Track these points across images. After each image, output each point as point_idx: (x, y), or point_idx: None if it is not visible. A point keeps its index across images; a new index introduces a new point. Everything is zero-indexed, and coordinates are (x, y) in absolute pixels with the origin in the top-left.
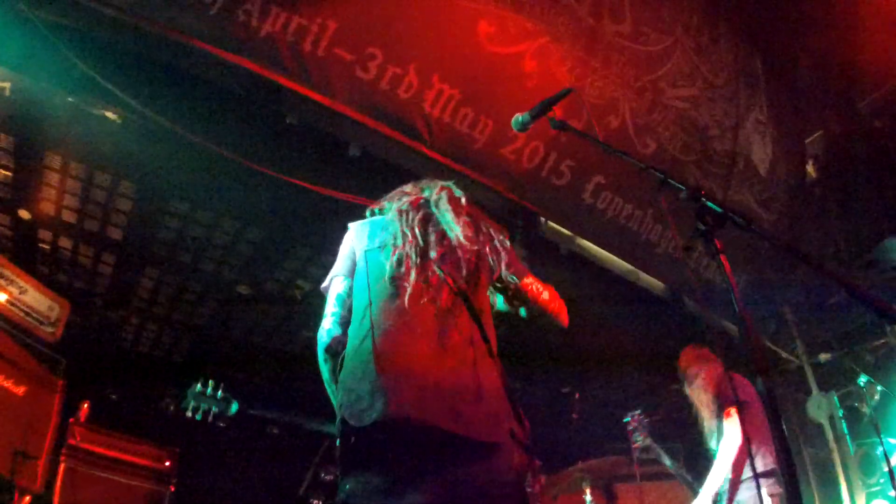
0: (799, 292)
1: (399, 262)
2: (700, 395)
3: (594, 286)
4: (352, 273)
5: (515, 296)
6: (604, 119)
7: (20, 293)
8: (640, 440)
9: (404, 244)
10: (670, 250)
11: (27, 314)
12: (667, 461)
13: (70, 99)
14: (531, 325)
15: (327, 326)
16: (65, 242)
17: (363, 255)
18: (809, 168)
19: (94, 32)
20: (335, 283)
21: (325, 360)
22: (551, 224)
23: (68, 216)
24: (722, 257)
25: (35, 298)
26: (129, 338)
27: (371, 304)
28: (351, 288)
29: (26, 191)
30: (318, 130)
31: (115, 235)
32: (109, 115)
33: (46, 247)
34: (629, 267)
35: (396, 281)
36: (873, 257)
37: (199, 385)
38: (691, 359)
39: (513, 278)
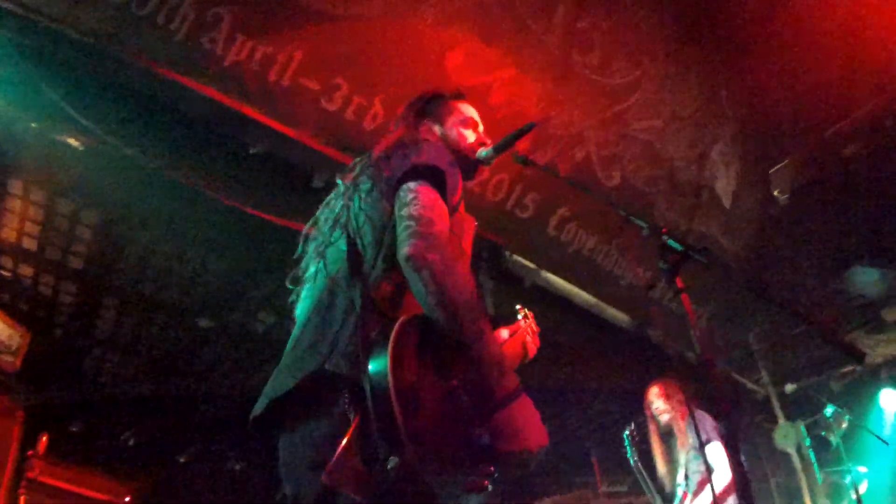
0: (765, 321)
1: None
2: (676, 426)
3: (559, 319)
4: None
5: None
6: (569, 151)
7: None
8: (633, 457)
9: None
10: (635, 282)
11: None
12: (647, 487)
13: (34, 124)
14: None
15: None
16: (25, 270)
17: None
18: (775, 198)
19: (59, 56)
20: None
21: None
22: (516, 257)
23: (29, 243)
24: (683, 297)
25: None
26: (90, 369)
27: None
28: None
29: None
30: (282, 160)
31: (77, 264)
32: (73, 141)
33: (7, 273)
34: (594, 299)
35: None
36: (841, 286)
37: None
38: (663, 394)
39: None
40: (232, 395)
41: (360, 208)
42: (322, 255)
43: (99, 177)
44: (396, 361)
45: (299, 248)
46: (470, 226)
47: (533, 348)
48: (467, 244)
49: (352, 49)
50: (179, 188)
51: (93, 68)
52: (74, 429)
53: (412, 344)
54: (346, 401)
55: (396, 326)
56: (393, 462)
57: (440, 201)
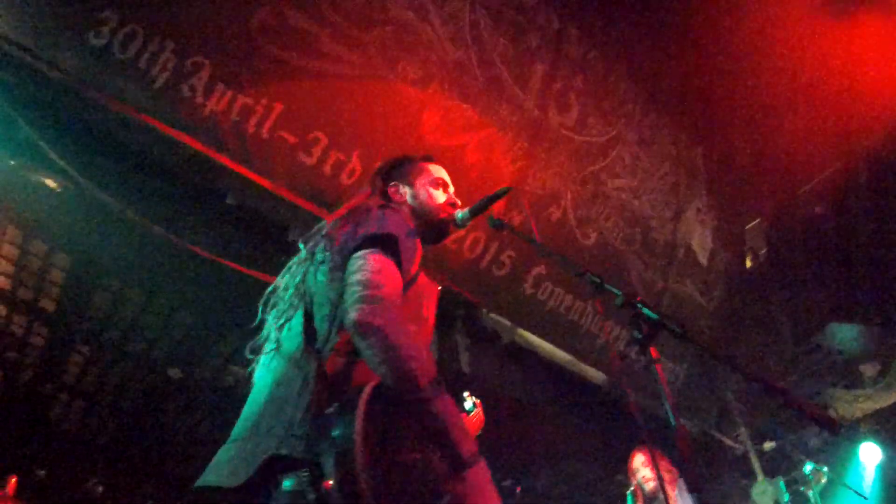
0: (742, 378)
1: None
2: (663, 494)
3: (535, 376)
4: None
5: None
6: (545, 210)
7: None
8: None
9: None
10: (611, 341)
11: None
12: None
13: (11, 162)
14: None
15: None
16: None
17: None
18: (749, 256)
19: (40, 95)
20: None
21: None
22: (492, 315)
23: (3, 282)
24: (657, 367)
25: None
26: (57, 413)
27: None
28: None
29: None
30: (258, 213)
31: (48, 307)
32: (49, 182)
33: None
34: (570, 357)
35: None
36: (818, 342)
37: None
38: (649, 462)
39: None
40: (200, 447)
41: (315, 280)
42: (281, 328)
43: (72, 219)
44: (365, 425)
45: (258, 315)
46: (432, 291)
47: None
48: (430, 311)
49: (331, 104)
50: (152, 236)
51: (72, 110)
52: (41, 473)
53: (377, 412)
54: (304, 479)
55: (365, 392)
56: None
57: (390, 265)
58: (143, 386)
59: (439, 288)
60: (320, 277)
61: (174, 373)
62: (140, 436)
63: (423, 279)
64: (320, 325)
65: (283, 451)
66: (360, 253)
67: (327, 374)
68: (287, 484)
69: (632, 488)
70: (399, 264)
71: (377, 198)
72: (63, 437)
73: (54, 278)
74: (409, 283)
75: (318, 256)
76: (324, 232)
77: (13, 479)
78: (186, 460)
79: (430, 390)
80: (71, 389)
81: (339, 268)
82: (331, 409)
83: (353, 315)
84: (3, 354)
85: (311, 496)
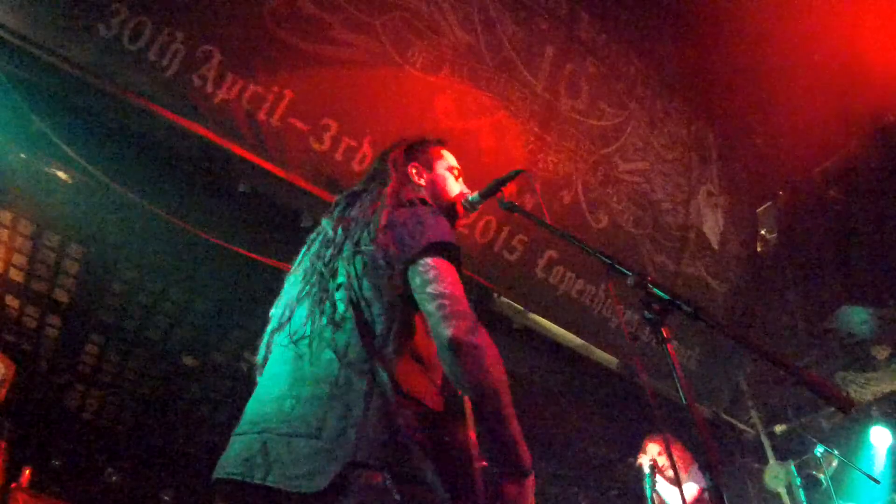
0: (754, 361)
1: None
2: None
3: (546, 361)
4: None
5: None
6: (557, 194)
7: None
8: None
9: None
10: (622, 324)
11: None
12: None
13: (23, 155)
14: None
15: None
16: (12, 301)
17: None
18: (760, 239)
19: (51, 88)
20: None
21: None
22: (504, 299)
23: (16, 275)
24: (669, 346)
25: None
26: (73, 404)
27: None
28: None
29: None
30: (270, 200)
31: (63, 298)
32: (61, 174)
33: None
34: (581, 341)
35: None
36: (830, 325)
37: None
38: (664, 452)
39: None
40: (216, 435)
41: (363, 274)
42: (327, 318)
43: (86, 210)
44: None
45: (284, 292)
46: None
47: None
48: None
49: (342, 91)
50: (166, 225)
51: (83, 102)
52: (57, 463)
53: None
54: (384, 478)
55: (468, 402)
56: None
57: (456, 273)
58: (159, 374)
59: None
60: (373, 276)
61: (189, 361)
62: (156, 424)
63: None
64: (375, 325)
65: (360, 458)
66: (427, 261)
67: (396, 379)
68: (360, 482)
69: (649, 461)
70: (459, 270)
71: (406, 185)
72: (78, 427)
73: (69, 269)
74: None
75: (364, 248)
76: (367, 220)
77: (27, 471)
78: (202, 448)
79: (510, 411)
80: (86, 379)
81: (394, 268)
82: (409, 412)
83: (449, 331)
84: (17, 346)
85: (397, 495)
